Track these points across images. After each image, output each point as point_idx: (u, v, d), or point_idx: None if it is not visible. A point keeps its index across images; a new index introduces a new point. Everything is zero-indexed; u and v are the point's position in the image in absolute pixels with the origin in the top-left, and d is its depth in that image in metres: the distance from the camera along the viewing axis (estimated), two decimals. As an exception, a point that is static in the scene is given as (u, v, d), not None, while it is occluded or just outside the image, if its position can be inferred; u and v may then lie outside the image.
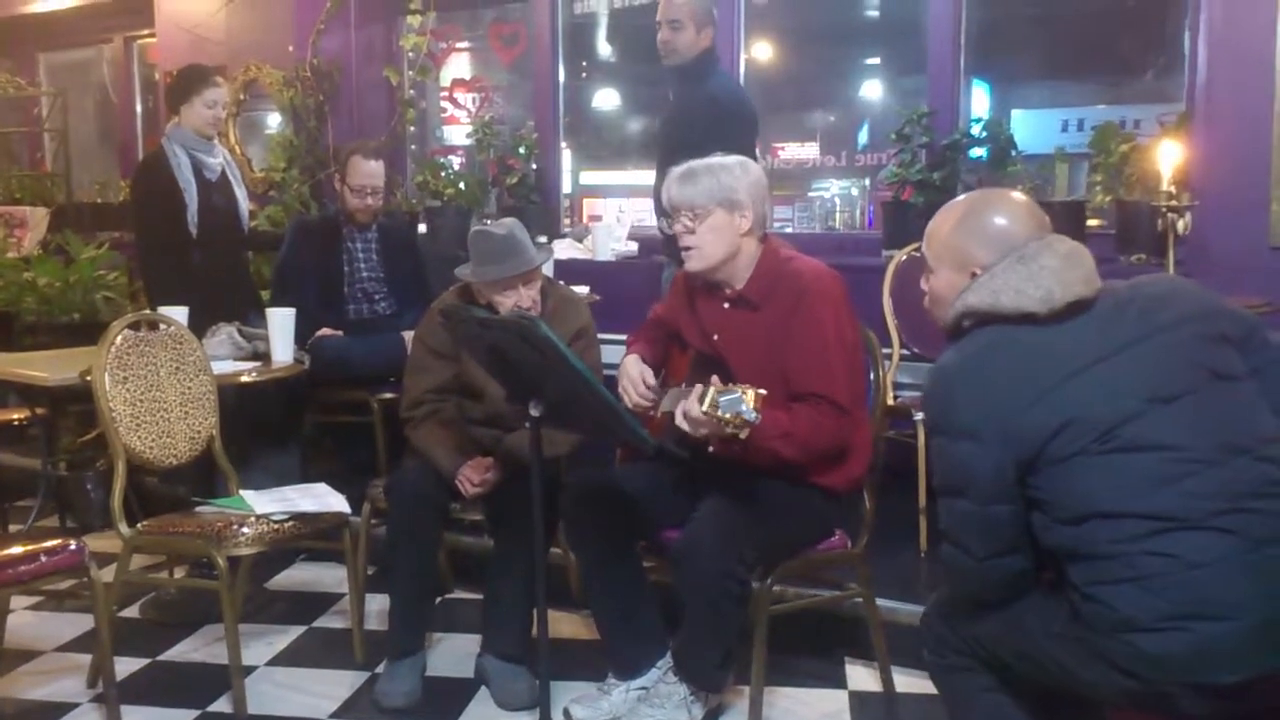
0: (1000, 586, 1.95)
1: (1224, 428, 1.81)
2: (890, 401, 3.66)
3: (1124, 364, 1.85)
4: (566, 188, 5.95)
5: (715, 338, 2.85)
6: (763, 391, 2.32)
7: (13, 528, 4.54)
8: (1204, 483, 1.77)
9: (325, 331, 4.26)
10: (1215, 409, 1.83)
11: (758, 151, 4.18)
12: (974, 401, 1.88)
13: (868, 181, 5.87)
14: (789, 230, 5.65)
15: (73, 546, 2.82)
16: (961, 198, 2.13)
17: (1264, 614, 1.72)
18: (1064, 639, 1.87)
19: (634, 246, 5.25)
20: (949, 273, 2.03)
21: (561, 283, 3.51)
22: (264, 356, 3.78)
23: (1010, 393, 1.85)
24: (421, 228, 5.34)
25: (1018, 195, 2.12)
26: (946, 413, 1.92)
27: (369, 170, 4.35)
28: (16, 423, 4.73)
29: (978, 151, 4.54)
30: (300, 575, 4.16)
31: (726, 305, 2.85)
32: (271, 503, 3.20)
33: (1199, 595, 1.72)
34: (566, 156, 5.93)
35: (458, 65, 6.24)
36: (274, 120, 6.04)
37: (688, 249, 2.77)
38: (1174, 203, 3.41)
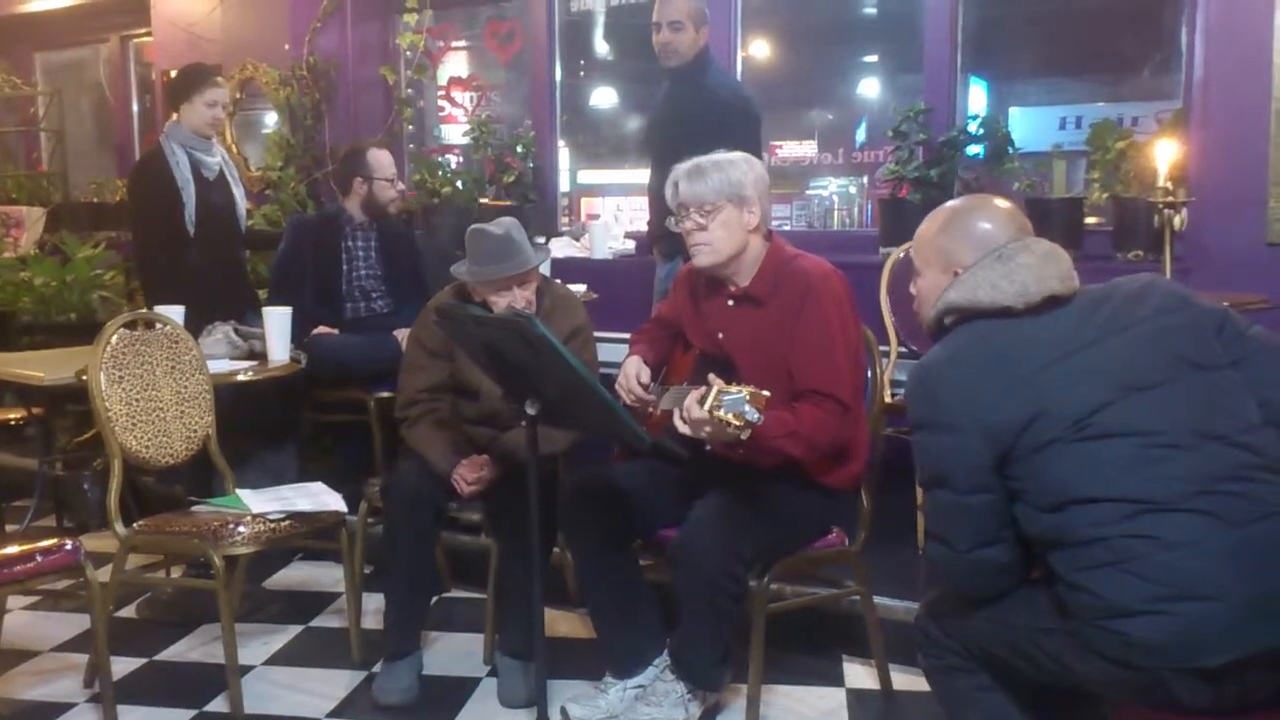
0: (986, 579, 1.98)
1: (1199, 415, 1.84)
2: (888, 399, 3.65)
3: (1098, 355, 1.89)
4: (564, 186, 5.95)
5: (720, 336, 2.85)
6: (765, 392, 2.32)
7: (9, 528, 4.53)
8: (1178, 466, 1.80)
9: (322, 329, 4.25)
10: (1191, 397, 1.86)
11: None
12: (953, 395, 1.94)
13: (865, 179, 5.86)
14: (786, 228, 5.65)
15: (69, 546, 2.81)
16: (947, 204, 2.20)
17: (1245, 594, 1.73)
18: (1055, 633, 1.89)
19: (631, 245, 5.24)
20: (934, 274, 2.11)
21: (558, 281, 3.51)
22: (260, 355, 3.77)
23: (987, 384, 1.91)
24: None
25: (1001, 202, 2.20)
26: (928, 407, 1.98)
27: (389, 160, 4.41)
28: (13, 422, 4.73)
29: (975, 149, 4.53)
30: (297, 574, 4.16)
31: (731, 303, 2.85)
32: (268, 502, 3.20)
33: (1180, 576, 1.74)
34: (564, 155, 5.92)
35: (454, 64, 6.23)
36: (270, 119, 6.03)
37: (697, 244, 2.77)
38: (1171, 199, 3.41)
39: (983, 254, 2.00)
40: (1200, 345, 1.91)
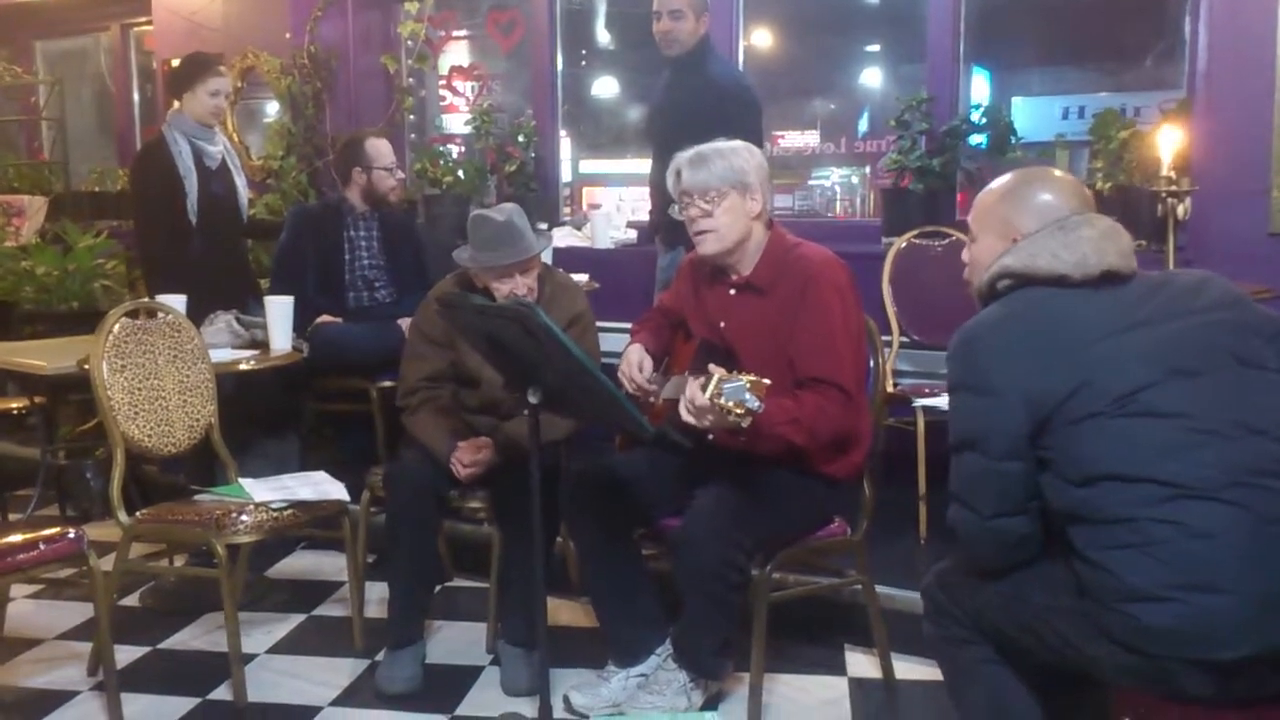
0: (1005, 549, 1.97)
1: (1242, 407, 1.83)
2: (890, 389, 3.65)
3: (1149, 337, 1.88)
4: (566, 176, 5.94)
5: (722, 325, 2.85)
6: (766, 381, 2.32)
7: (12, 516, 4.53)
8: (1215, 455, 1.79)
9: (324, 318, 4.26)
10: (1236, 390, 1.85)
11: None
12: (998, 359, 1.92)
13: (868, 169, 5.86)
14: (788, 218, 5.65)
15: (72, 535, 2.82)
16: (1009, 173, 2.18)
17: (1264, 591, 1.73)
18: (1068, 613, 1.88)
19: (633, 234, 5.24)
20: (991, 239, 2.09)
21: (559, 269, 3.51)
22: (262, 345, 3.77)
23: (1033, 352, 1.90)
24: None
25: (1062, 174, 2.19)
26: (971, 369, 1.97)
27: (388, 149, 4.41)
28: (16, 412, 4.72)
29: (977, 138, 4.53)
30: (299, 563, 4.16)
31: (733, 292, 2.85)
32: (270, 491, 3.20)
33: (1201, 566, 1.74)
34: (566, 144, 5.91)
35: (456, 53, 6.22)
36: (272, 108, 6.02)
37: (702, 233, 2.77)
38: (1174, 189, 3.40)
39: (1044, 223, 2.00)
40: (1247, 344, 1.90)
